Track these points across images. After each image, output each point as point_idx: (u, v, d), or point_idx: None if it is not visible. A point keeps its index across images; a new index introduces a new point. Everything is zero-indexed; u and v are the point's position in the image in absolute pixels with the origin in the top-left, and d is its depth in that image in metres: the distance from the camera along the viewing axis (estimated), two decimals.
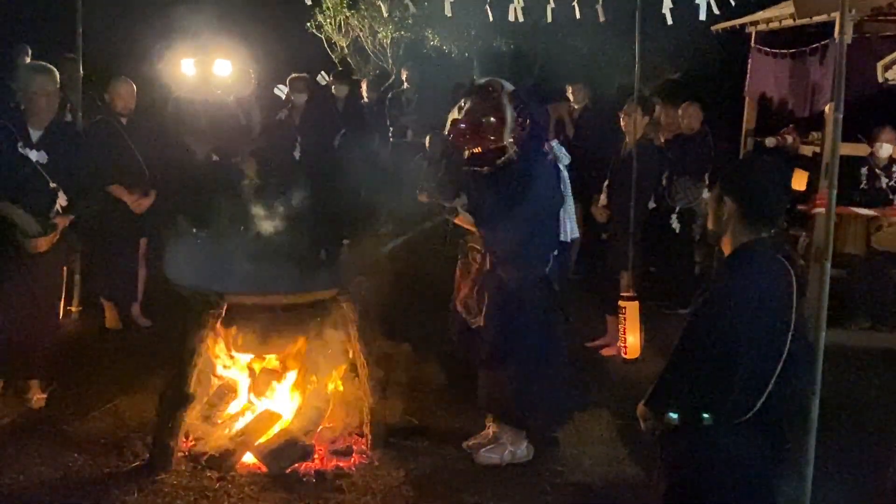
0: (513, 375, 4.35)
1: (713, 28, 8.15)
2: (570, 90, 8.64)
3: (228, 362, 4.61)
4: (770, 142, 7.58)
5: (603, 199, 6.34)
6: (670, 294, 7.10)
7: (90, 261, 6.24)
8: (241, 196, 6.85)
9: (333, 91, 9.15)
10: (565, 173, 4.52)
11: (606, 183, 6.32)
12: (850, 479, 4.17)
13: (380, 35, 12.57)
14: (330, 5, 12.42)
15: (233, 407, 4.65)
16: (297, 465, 4.25)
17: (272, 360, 4.64)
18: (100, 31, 7.33)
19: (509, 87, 4.30)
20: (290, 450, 4.29)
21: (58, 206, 4.77)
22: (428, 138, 8.88)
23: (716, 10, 5.76)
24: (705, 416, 2.70)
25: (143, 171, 6.20)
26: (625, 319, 5.93)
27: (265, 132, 8.42)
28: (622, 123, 6.18)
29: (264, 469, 4.22)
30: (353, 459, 4.37)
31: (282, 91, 9.21)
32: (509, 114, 4.22)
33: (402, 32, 12.40)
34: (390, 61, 12.74)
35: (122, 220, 6.15)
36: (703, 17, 5.44)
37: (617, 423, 4.92)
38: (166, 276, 4.55)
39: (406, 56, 12.22)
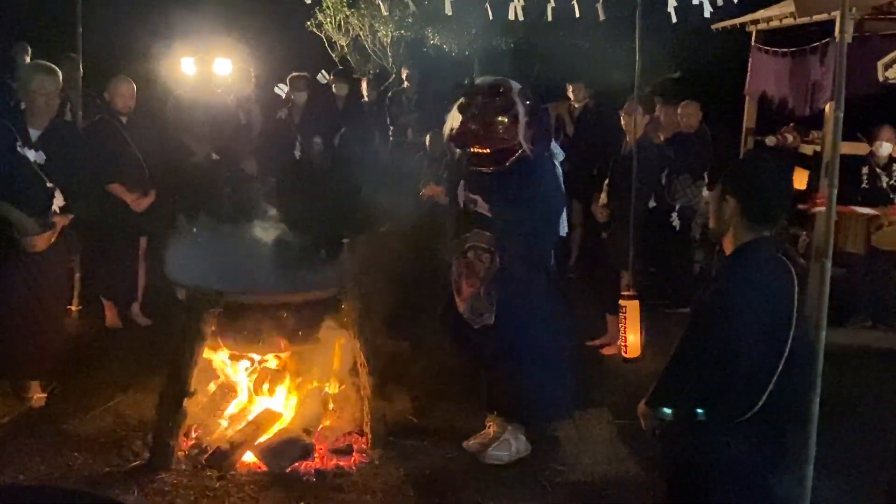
0: (524, 373, 4.35)
1: (713, 27, 8.15)
2: (570, 89, 8.64)
3: (228, 361, 4.61)
4: (770, 141, 7.59)
5: (603, 197, 6.34)
6: (671, 293, 7.10)
7: (90, 260, 6.23)
8: (240, 195, 6.86)
9: (334, 90, 9.14)
10: (559, 170, 4.53)
11: (606, 182, 6.32)
12: (851, 478, 4.17)
13: (380, 34, 12.56)
14: (330, 4, 12.42)
15: (233, 406, 4.65)
16: (297, 464, 4.25)
17: (272, 359, 4.64)
18: (100, 29, 7.32)
19: (517, 85, 4.30)
20: (290, 449, 4.29)
21: (55, 207, 4.76)
22: (428, 137, 8.86)
23: (710, 9, 5.75)
24: (699, 411, 2.70)
25: (142, 170, 6.20)
26: (625, 318, 5.92)
27: (265, 131, 8.41)
28: (622, 122, 6.18)
29: (264, 468, 4.22)
30: (353, 458, 4.37)
31: (282, 90, 9.20)
32: (521, 113, 4.22)
33: (403, 31, 12.40)
34: (390, 60, 12.74)
35: (122, 219, 6.15)
36: (707, 14, 5.43)
37: (617, 423, 4.92)
38: (166, 275, 4.56)
39: (406, 55, 12.22)
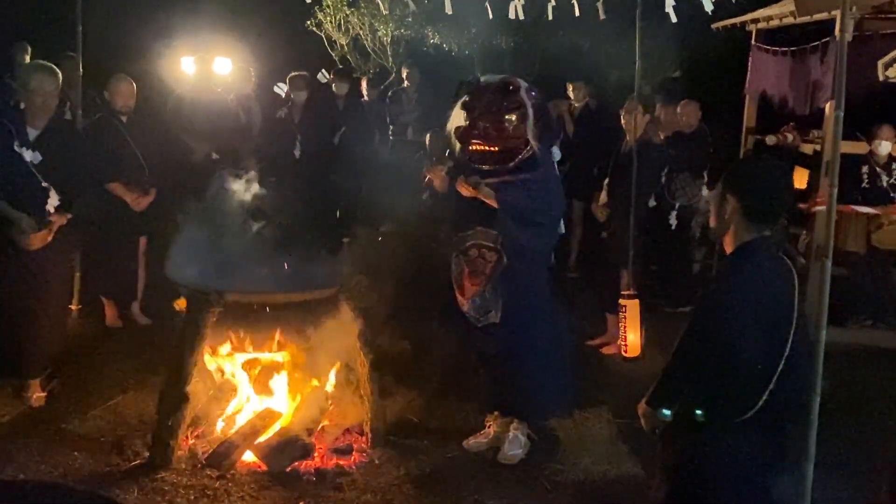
0: (528, 370, 4.35)
1: (713, 26, 8.14)
2: (570, 88, 8.64)
3: (228, 360, 4.61)
4: (770, 140, 7.58)
5: (603, 197, 6.34)
6: (671, 292, 7.10)
7: (90, 259, 6.23)
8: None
9: (334, 89, 9.14)
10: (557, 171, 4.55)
11: (606, 181, 6.32)
12: (851, 477, 4.17)
13: (380, 33, 12.55)
14: (330, 3, 12.40)
15: (233, 405, 4.65)
16: (297, 463, 4.25)
17: (272, 359, 4.64)
18: (100, 29, 7.33)
19: (524, 83, 4.30)
20: (290, 448, 4.29)
21: (49, 207, 4.76)
22: (428, 137, 8.86)
23: (710, 6, 5.75)
24: (697, 412, 2.70)
25: (142, 170, 6.20)
26: (625, 318, 5.92)
27: (265, 130, 8.41)
28: (622, 121, 6.18)
29: (264, 467, 4.22)
30: (353, 458, 4.37)
31: (281, 89, 9.20)
32: (530, 111, 4.22)
33: (403, 30, 12.38)
34: (390, 59, 12.72)
35: (122, 219, 6.15)
36: (708, 10, 5.43)
37: (617, 422, 4.92)
38: (166, 274, 4.56)
39: (406, 54, 12.21)
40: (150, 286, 6.44)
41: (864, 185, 6.86)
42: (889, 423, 5.09)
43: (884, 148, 6.84)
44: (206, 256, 4.63)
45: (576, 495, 4.18)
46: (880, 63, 6.07)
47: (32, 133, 4.77)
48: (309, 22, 12.57)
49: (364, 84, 9.96)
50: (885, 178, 6.85)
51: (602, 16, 6.54)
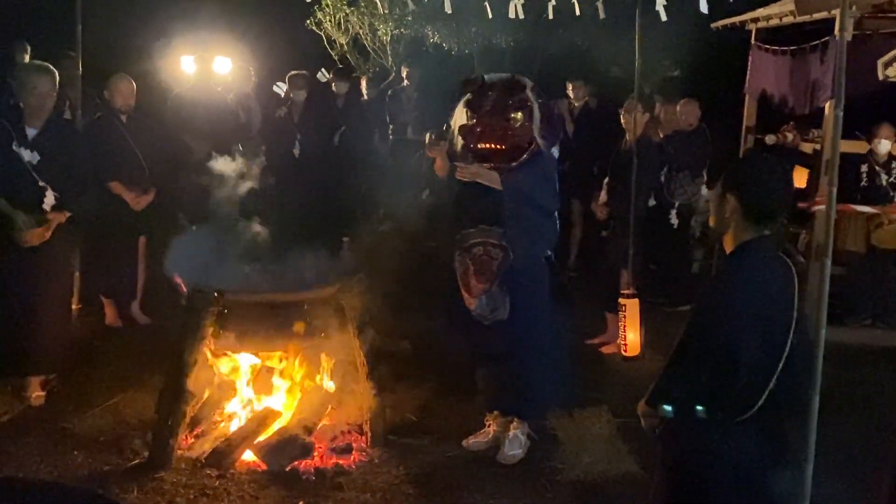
0: (531, 368, 4.36)
1: (713, 25, 8.14)
2: (570, 87, 8.64)
3: (228, 360, 4.61)
4: (770, 139, 7.58)
5: (603, 196, 6.34)
6: (670, 291, 7.10)
7: (90, 258, 6.23)
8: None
9: (333, 88, 9.14)
10: None
11: (606, 180, 6.32)
12: (851, 476, 4.17)
13: (379, 32, 12.53)
14: (329, 2, 12.39)
15: (232, 404, 4.65)
16: (296, 462, 4.25)
17: (272, 358, 4.64)
18: (99, 28, 7.32)
19: (530, 82, 4.31)
20: (289, 447, 4.29)
21: (46, 206, 4.78)
22: (428, 136, 8.85)
23: (706, 6, 5.75)
24: (699, 408, 2.69)
25: (142, 169, 6.20)
26: (625, 317, 5.93)
27: (264, 129, 8.41)
28: (622, 120, 6.18)
29: (264, 467, 4.22)
30: (352, 457, 4.37)
31: (281, 88, 9.19)
32: (536, 110, 4.23)
33: (402, 30, 12.37)
34: (390, 59, 12.72)
35: (122, 218, 6.15)
36: (704, 10, 5.43)
37: (617, 421, 4.90)
38: (165, 273, 4.56)
39: (406, 53, 12.20)
40: (150, 285, 6.44)
41: (863, 184, 6.86)
42: (889, 422, 5.09)
43: (883, 147, 6.84)
44: (205, 255, 4.63)
45: (575, 495, 4.18)
46: (880, 62, 6.07)
47: (31, 133, 4.80)
48: (308, 21, 12.55)
49: (364, 83, 9.96)
50: (884, 177, 6.85)
51: (602, 15, 6.54)
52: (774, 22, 7.26)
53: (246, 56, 9.15)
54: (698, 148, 7.39)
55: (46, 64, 4.97)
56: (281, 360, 4.65)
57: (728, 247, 2.82)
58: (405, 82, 10.07)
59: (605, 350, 6.20)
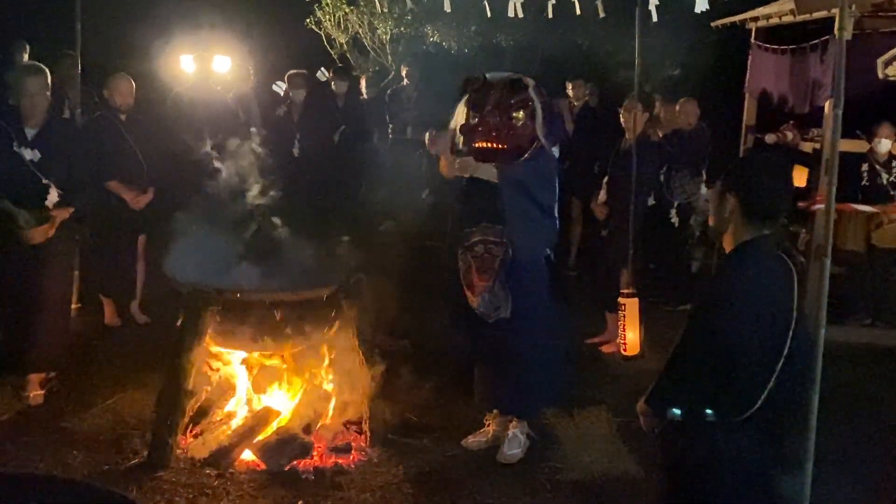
0: (531, 367, 4.35)
1: (713, 24, 8.14)
2: (569, 86, 8.63)
3: (227, 359, 4.61)
4: (770, 138, 7.58)
5: (602, 195, 6.34)
6: (670, 290, 7.10)
7: (89, 258, 6.23)
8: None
9: (333, 87, 9.13)
10: None
11: (606, 179, 6.32)
12: (851, 475, 4.16)
13: (379, 31, 12.54)
14: (329, 1, 12.40)
15: (232, 404, 4.64)
16: (296, 462, 4.25)
17: (271, 357, 4.64)
18: (99, 27, 7.31)
19: (532, 81, 4.30)
20: (289, 447, 4.29)
21: (49, 203, 4.81)
22: (428, 135, 8.85)
23: (703, 6, 5.75)
24: (708, 411, 2.69)
25: (141, 168, 6.20)
26: (624, 316, 5.92)
27: (263, 129, 8.39)
28: (622, 119, 6.17)
29: (263, 466, 4.22)
30: (352, 457, 4.37)
31: (280, 87, 9.19)
32: (539, 109, 4.22)
33: (402, 29, 12.37)
34: (389, 58, 12.72)
35: (121, 217, 6.15)
36: (698, 10, 5.43)
37: (616, 421, 4.91)
38: (165, 272, 4.55)
39: (405, 52, 12.20)
40: (149, 285, 6.44)
41: (863, 183, 6.85)
42: (889, 420, 5.09)
43: (883, 146, 6.84)
44: (204, 254, 4.63)
45: (575, 494, 4.18)
46: (880, 61, 6.07)
47: (30, 132, 4.84)
48: (308, 20, 12.56)
49: (363, 82, 9.96)
50: (884, 176, 6.84)
51: (601, 14, 6.54)
52: (774, 21, 7.26)
53: (245, 55, 9.13)
54: (698, 147, 7.38)
55: (37, 64, 5.00)
56: (280, 360, 4.64)
57: (728, 246, 2.81)
58: (405, 81, 10.07)
59: (605, 349, 6.20)
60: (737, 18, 7.87)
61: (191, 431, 4.44)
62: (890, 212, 6.71)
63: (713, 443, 2.72)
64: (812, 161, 7.01)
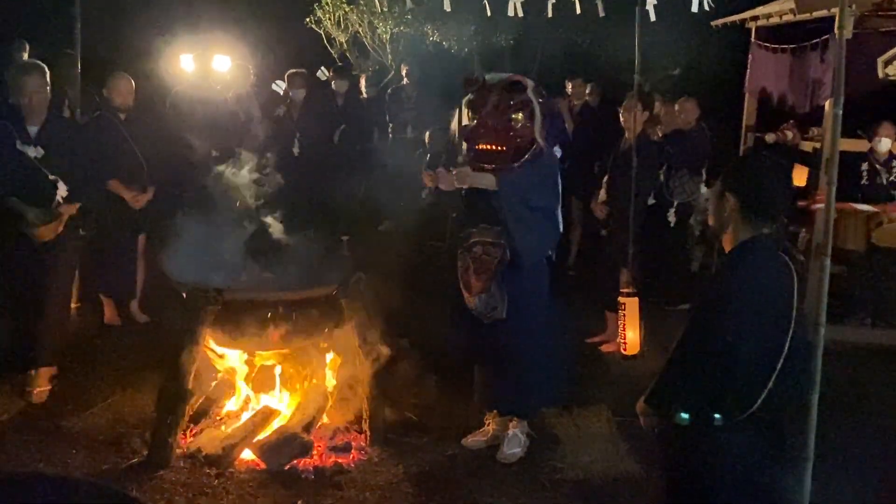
0: (529, 367, 4.35)
1: (713, 23, 8.13)
2: (569, 86, 8.63)
3: (227, 358, 4.61)
4: (770, 138, 7.57)
5: (602, 195, 6.34)
6: (670, 290, 7.09)
7: (89, 257, 6.23)
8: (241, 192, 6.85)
9: (333, 87, 9.13)
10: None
11: (605, 179, 6.31)
12: (850, 475, 4.16)
13: (379, 30, 12.53)
14: (329, 0, 12.40)
15: (231, 403, 4.64)
16: (295, 461, 4.25)
17: (271, 357, 4.64)
18: (98, 26, 7.31)
19: (531, 82, 4.29)
20: (288, 446, 4.29)
21: (59, 198, 4.87)
22: (428, 134, 8.85)
23: (707, 6, 5.74)
24: (716, 416, 2.68)
25: (141, 167, 6.19)
26: (624, 316, 5.92)
27: (263, 128, 8.39)
28: (622, 119, 6.17)
29: (263, 465, 4.22)
30: (351, 456, 4.37)
31: (280, 87, 9.19)
32: (537, 110, 4.22)
33: (402, 28, 12.37)
34: (389, 57, 12.71)
35: (121, 216, 6.15)
36: (695, 9, 5.43)
37: (616, 420, 4.91)
38: (165, 271, 4.55)
39: (405, 51, 12.20)
40: (149, 284, 6.44)
41: (863, 182, 6.85)
42: (888, 421, 5.09)
43: (883, 145, 6.83)
44: (204, 253, 4.63)
45: (575, 493, 4.17)
46: (880, 60, 6.07)
47: (32, 130, 4.89)
48: (308, 19, 12.56)
49: (363, 81, 9.95)
50: (884, 176, 6.84)
51: (601, 13, 6.53)
52: (774, 20, 7.26)
53: (245, 54, 9.13)
54: (697, 146, 7.38)
55: (34, 61, 5.03)
56: (280, 359, 4.64)
57: (727, 246, 2.82)
58: (404, 80, 10.07)
59: (605, 349, 6.20)
60: (737, 18, 7.87)
61: (191, 431, 4.44)
62: (890, 211, 6.70)
63: (713, 442, 2.73)
64: (812, 160, 7.01)
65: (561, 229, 4.47)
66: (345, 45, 12.95)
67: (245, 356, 4.60)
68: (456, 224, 4.53)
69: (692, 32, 9.04)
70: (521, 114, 4.21)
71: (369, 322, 4.55)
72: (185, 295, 4.40)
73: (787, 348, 2.65)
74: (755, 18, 7.63)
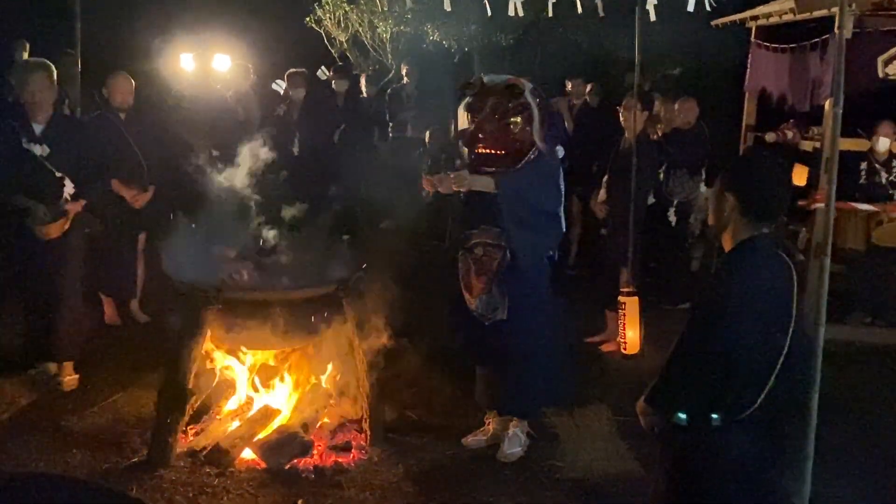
0: (530, 367, 4.35)
1: (713, 23, 8.13)
2: (569, 85, 8.63)
3: (227, 358, 4.61)
4: (770, 137, 7.57)
5: (602, 194, 6.34)
6: (670, 289, 7.09)
7: (89, 256, 6.22)
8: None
9: (333, 86, 9.13)
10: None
11: (605, 178, 6.32)
12: (850, 474, 4.17)
13: (379, 30, 12.52)
14: (329, 0, 12.39)
15: (232, 402, 4.64)
16: (296, 460, 4.25)
17: (271, 356, 4.64)
18: (98, 25, 7.30)
19: (529, 84, 4.28)
20: (289, 445, 4.29)
21: (66, 195, 4.93)
22: (427, 133, 8.86)
23: (709, 6, 5.74)
24: (714, 416, 2.68)
25: (141, 167, 6.20)
26: (624, 315, 5.92)
27: (263, 127, 8.40)
28: (621, 118, 6.17)
29: (263, 465, 4.22)
30: (352, 455, 4.37)
31: (280, 86, 9.19)
32: (536, 113, 4.21)
33: (402, 27, 12.36)
34: (389, 56, 12.71)
35: (121, 216, 6.15)
36: (691, 8, 5.43)
37: (616, 419, 4.92)
38: (165, 271, 4.55)
39: (406, 51, 12.19)
40: (150, 283, 6.44)
41: (863, 181, 6.85)
42: (888, 421, 5.09)
43: (882, 144, 6.83)
44: (204, 253, 4.63)
45: (575, 493, 4.18)
46: (880, 60, 6.07)
47: (38, 128, 4.93)
48: (308, 18, 12.55)
49: (363, 81, 9.95)
50: (884, 175, 6.84)
51: (601, 13, 6.53)
52: (774, 20, 7.26)
53: (245, 54, 9.13)
54: (697, 146, 7.38)
55: (40, 60, 5.05)
56: (280, 358, 4.64)
57: (727, 245, 2.81)
58: (405, 80, 10.06)
59: (605, 348, 6.20)
60: (737, 17, 7.86)
61: (191, 430, 4.44)
62: (890, 210, 6.70)
63: (713, 442, 2.72)
64: (812, 160, 7.01)
65: (563, 229, 4.47)
66: (345, 44, 12.94)
67: (245, 355, 4.60)
68: (456, 225, 4.54)
69: (692, 32, 9.02)
70: (519, 117, 4.20)
71: (370, 321, 4.55)
72: (184, 294, 4.40)
73: (786, 348, 2.65)
74: (755, 18, 7.63)
